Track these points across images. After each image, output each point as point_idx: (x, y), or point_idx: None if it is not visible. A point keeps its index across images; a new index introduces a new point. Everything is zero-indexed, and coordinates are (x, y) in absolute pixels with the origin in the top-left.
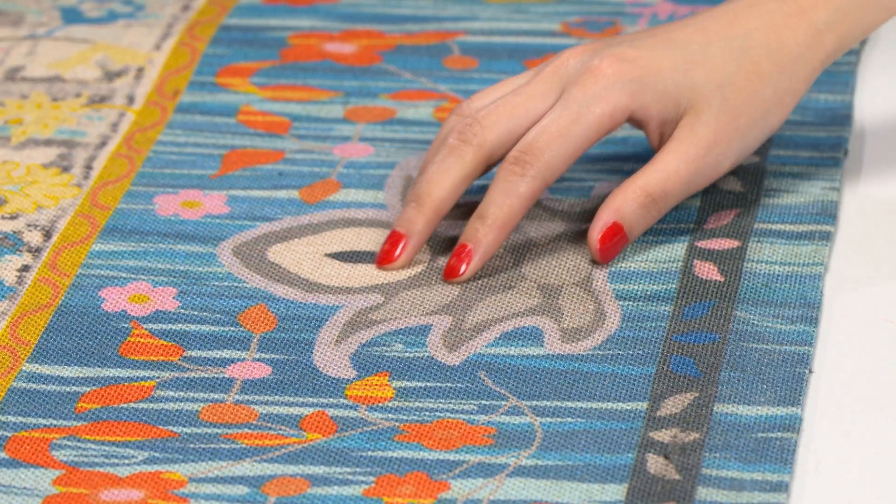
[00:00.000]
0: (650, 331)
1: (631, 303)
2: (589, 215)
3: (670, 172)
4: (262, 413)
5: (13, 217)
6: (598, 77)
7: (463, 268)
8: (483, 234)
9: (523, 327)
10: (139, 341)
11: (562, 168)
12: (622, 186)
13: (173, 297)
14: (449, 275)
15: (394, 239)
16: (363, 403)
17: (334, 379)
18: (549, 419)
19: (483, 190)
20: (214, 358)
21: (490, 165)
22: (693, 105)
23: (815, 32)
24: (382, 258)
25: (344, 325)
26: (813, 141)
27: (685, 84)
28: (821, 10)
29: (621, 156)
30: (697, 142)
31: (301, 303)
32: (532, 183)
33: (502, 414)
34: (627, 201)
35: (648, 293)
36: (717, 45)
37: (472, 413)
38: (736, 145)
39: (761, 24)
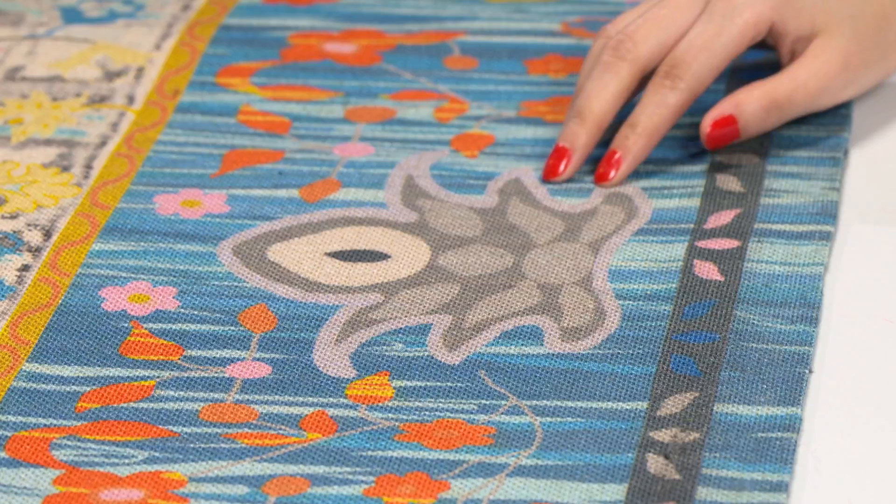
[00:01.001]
0: (650, 330)
1: (631, 302)
2: (589, 216)
3: (800, 83)
4: (262, 413)
5: (13, 216)
6: None
7: (613, 173)
8: (633, 142)
9: (523, 326)
10: (139, 341)
11: (709, 78)
12: (749, 86)
13: (173, 297)
14: (599, 179)
15: (558, 153)
16: (363, 403)
17: (334, 378)
18: (548, 419)
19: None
20: (214, 357)
21: (645, 79)
22: (827, 28)
23: None
24: (548, 172)
25: (344, 324)
26: (812, 141)
27: (821, 6)
28: None
29: None
30: (830, 60)
31: (301, 302)
32: (681, 95)
33: (502, 413)
34: (751, 99)
35: (648, 293)
36: None
37: (472, 413)
38: (861, 75)
39: None
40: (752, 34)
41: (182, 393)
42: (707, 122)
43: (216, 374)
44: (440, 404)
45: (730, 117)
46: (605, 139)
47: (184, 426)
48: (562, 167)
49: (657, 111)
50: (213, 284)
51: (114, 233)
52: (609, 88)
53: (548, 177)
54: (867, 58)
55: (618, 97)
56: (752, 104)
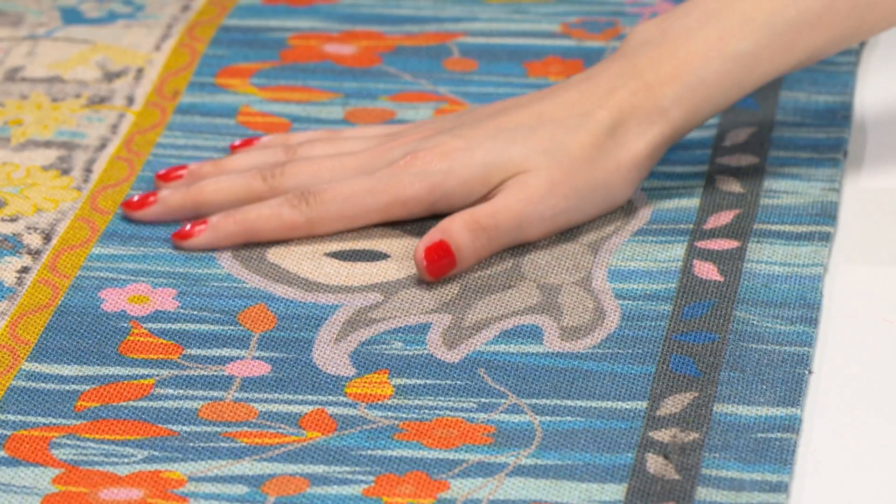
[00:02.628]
0: (650, 330)
1: (630, 302)
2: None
3: (500, 206)
4: (261, 411)
5: (13, 219)
6: (413, 163)
7: (196, 233)
8: (226, 222)
9: (523, 326)
10: (138, 340)
11: (334, 226)
12: (450, 216)
13: (173, 298)
14: (178, 236)
15: (149, 198)
16: (362, 401)
17: (334, 377)
18: (548, 418)
19: None
20: (214, 356)
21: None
22: (517, 171)
23: (659, 111)
24: (129, 203)
25: (343, 323)
26: (812, 141)
27: (500, 160)
28: (667, 87)
29: None
30: (532, 186)
31: (301, 302)
32: (298, 216)
33: (502, 412)
34: (455, 223)
35: (648, 292)
36: (549, 126)
37: (471, 411)
38: (573, 203)
39: (604, 103)
40: (405, 210)
41: (181, 391)
42: (420, 252)
43: (215, 373)
44: (440, 402)
45: (442, 243)
46: None
47: (183, 425)
48: (144, 207)
49: (267, 215)
50: (213, 285)
51: (113, 238)
52: (234, 192)
53: (126, 206)
54: (582, 185)
55: (234, 204)
56: (456, 226)
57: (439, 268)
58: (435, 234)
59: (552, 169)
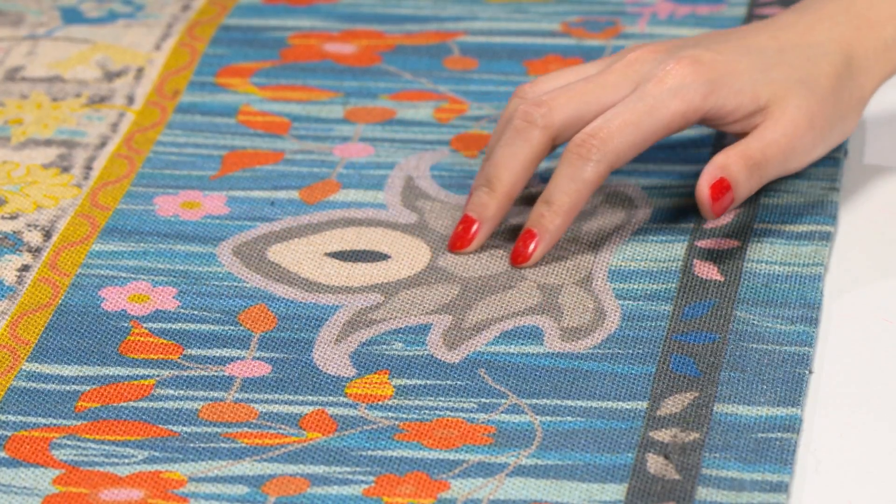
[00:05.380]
0: (650, 330)
1: (631, 302)
2: (589, 215)
3: (769, 141)
4: (261, 412)
5: (13, 217)
6: (675, 75)
7: (530, 253)
8: (549, 221)
9: (523, 326)
10: (139, 340)
11: (628, 156)
12: (721, 151)
13: (173, 297)
14: (516, 259)
15: (467, 223)
16: (363, 402)
17: (334, 377)
18: (548, 418)
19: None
20: (214, 356)
21: (556, 147)
22: (777, 97)
23: (883, 47)
24: (455, 242)
25: (344, 324)
26: None
27: (763, 80)
28: (888, 26)
29: None
30: (795, 119)
31: (301, 302)
32: (597, 167)
33: (502, 412)
34: (731, 159)
35: (648, 292)
36: (792, 52)
37: (471, 411)
38: (827, 134)
39: (832, 36)
40: (680, 123)
41: (182, 392)
42: (704, 188)
43: (216, 373)
44: (440, 403)
45: (723, 181)
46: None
47: (183, 425)
48: (470, 236)
49: (572, 186)
50: (213, 284)
51: (114, 234)
52: (518, 157)
53: (454, 247)
54: (829, 116)
55: (528, 166)
56: (733, 164)
57: (722, 204)
58: (714, 171)
59: (809, 99)
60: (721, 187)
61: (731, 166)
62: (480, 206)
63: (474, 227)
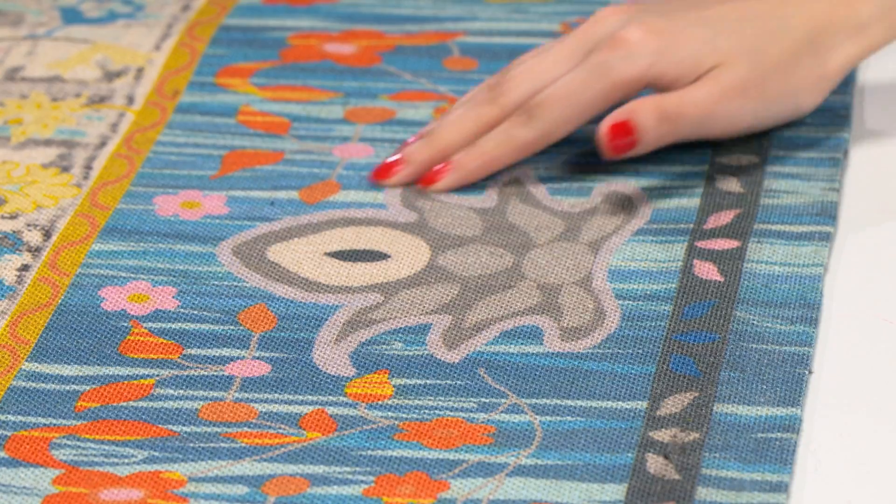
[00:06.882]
0: (650, 330)
1: (630, 302)
2: (589, 215)
3: (690, 98)
4: (261, 411)
5: (13, 217)
6: (621, 44)
7: (438, 180)
8: (468, 159)
9: (523, 326)
10: (139, 339)
11: (565, 128)
12: (639, 98)
13: (173, 297)
14: (425, 181)
15: (396, 160)
16: (363, 401)
17: (334, 377)
18: (548, 417)
19: None
20: (214, 356)
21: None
22: (720, 63)
23: (857, 27)
24: (378, 172)
25: (344, 324)
26: (812, 141)
27: (708, 49)
28: (866, 6)
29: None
30: (725, 83)
31: (301, 302)
32: (530, 133)
33: (502, 412)
34: (642, 105)
35: (648, 292)
36: (752, 23)
37: (471, 411)
38: (760, 107)
39: (803, 10)
40: (623, 92)
41: (182, 391)
42: (604, 126)
43: (216, 373)
44: (440, 402)
45: (626, 123)
46: None
47: (183, 425)
48: (393, 172)
49: (502, 140)
50: (213, 284)
51: (113, 233)
52: (467, 125)
53: (375, 176)
54: (772, 91)
55: (471, 136)
56: (643, 110)
57: (619, 146)
58: (621, 113)
59: (750, 70)
60: (623, 128)
61: (640, 112)
62: (415, 150)
63: (400, 165)
